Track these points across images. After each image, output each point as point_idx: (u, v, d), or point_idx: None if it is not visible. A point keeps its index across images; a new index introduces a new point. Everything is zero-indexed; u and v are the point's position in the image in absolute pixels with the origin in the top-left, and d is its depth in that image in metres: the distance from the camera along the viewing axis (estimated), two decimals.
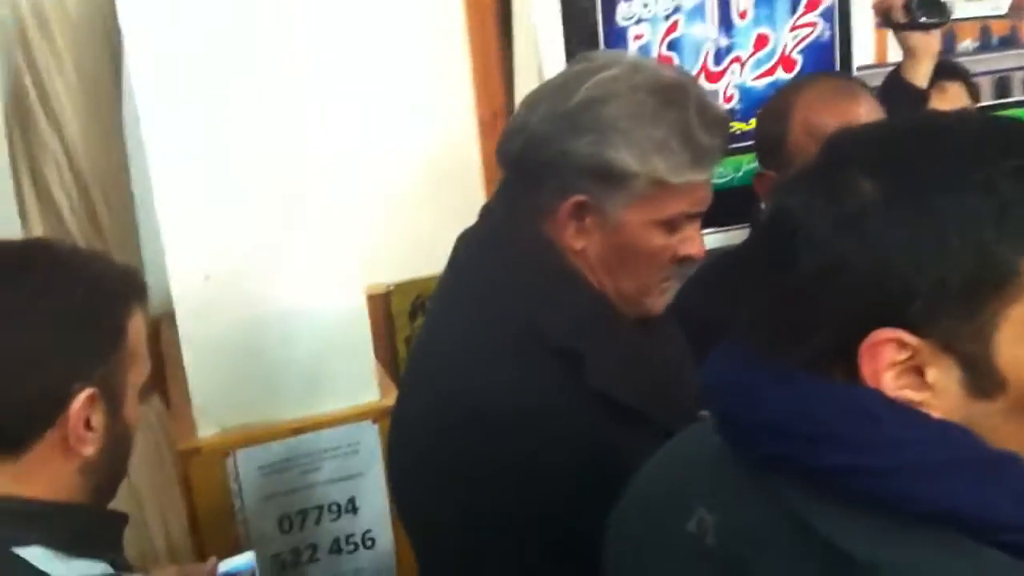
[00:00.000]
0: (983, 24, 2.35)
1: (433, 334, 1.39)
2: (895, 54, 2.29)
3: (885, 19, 1.99)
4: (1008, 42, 2.40)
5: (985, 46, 2.38)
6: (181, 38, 1.66)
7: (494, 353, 1.25)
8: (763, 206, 1.78)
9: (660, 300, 1.33)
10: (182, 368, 1.78)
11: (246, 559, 1.43)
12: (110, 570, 1.15)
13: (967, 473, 0.74)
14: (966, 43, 2.37)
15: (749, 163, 2.22)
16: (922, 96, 1.94)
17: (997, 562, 0.73)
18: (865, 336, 0.76)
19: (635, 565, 0.99)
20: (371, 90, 2.14)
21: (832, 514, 0.77)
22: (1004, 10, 1.97)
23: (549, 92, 1.28)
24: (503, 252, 1.30)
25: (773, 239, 0.83)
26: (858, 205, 0.76)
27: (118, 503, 1.23)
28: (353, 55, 2.08)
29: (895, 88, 1.92)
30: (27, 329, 1.10)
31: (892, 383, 0.76)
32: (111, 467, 1.20)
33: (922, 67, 1.95)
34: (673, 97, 1.24)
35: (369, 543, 1.90)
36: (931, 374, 0.76)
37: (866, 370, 0.76)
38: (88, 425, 1.13)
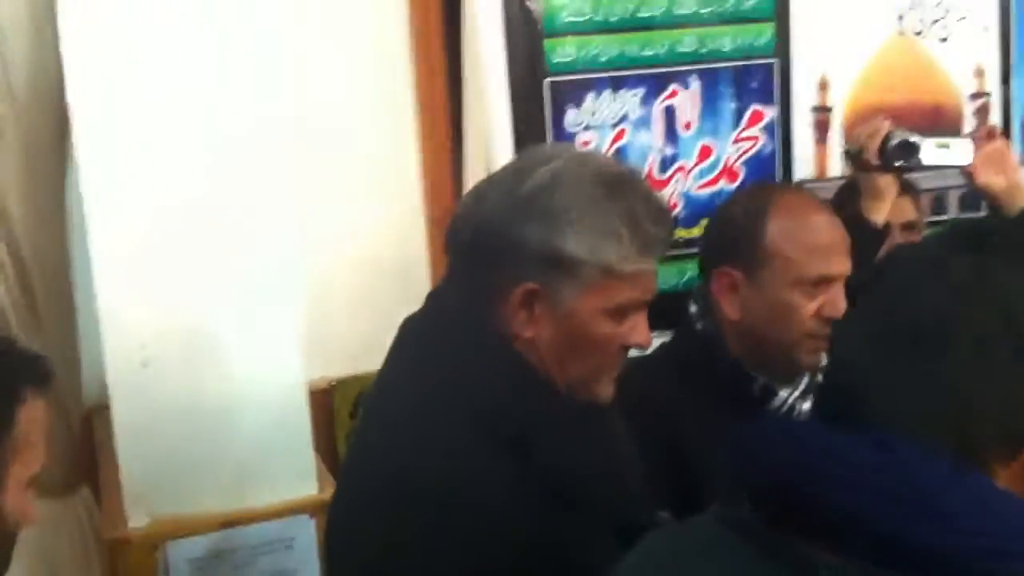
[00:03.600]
0: None
1: (377, 422, 1.35)
2: (834, 169, 2.38)
3: (854, 160, 1.94)
4: None
5: None
6: (130, 118, 1.67)
7: (445, 439, 1.22)
8: (693, 308, 1.75)
9: (608, 388, 1.32)
10: (115, 458, 1.74)
11: None
12: None
13: None
14: None
15: (694, 269, 2.25)
16: (882, 235, 1.89)
17: None
18: None
19: None
20: (318, 182, 2.14)
21: None
22: (969, 160, 1.93)
23: (499, 180, 1.30)
24: (453, 340, 1.29)
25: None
26: None
27: None
28: (302, 144, 2.09)
29: (856, 225, 1.82)
30: None
31: None
32: None
33: (884, 206, 1.92)
34: (619, 187, 1.26)
35: None
36: None
37: None
38: None
